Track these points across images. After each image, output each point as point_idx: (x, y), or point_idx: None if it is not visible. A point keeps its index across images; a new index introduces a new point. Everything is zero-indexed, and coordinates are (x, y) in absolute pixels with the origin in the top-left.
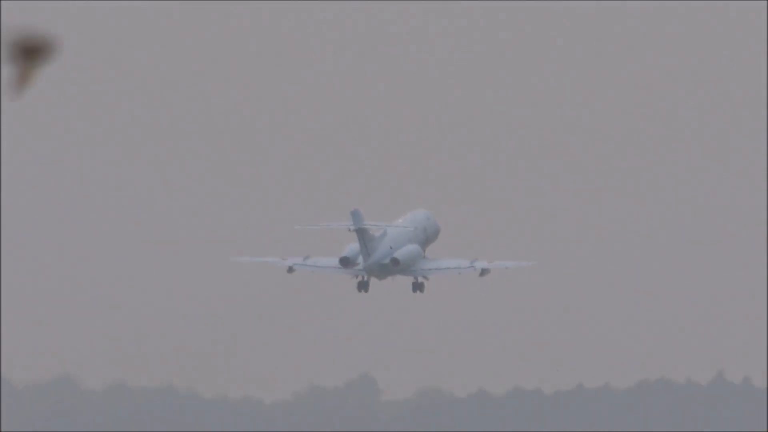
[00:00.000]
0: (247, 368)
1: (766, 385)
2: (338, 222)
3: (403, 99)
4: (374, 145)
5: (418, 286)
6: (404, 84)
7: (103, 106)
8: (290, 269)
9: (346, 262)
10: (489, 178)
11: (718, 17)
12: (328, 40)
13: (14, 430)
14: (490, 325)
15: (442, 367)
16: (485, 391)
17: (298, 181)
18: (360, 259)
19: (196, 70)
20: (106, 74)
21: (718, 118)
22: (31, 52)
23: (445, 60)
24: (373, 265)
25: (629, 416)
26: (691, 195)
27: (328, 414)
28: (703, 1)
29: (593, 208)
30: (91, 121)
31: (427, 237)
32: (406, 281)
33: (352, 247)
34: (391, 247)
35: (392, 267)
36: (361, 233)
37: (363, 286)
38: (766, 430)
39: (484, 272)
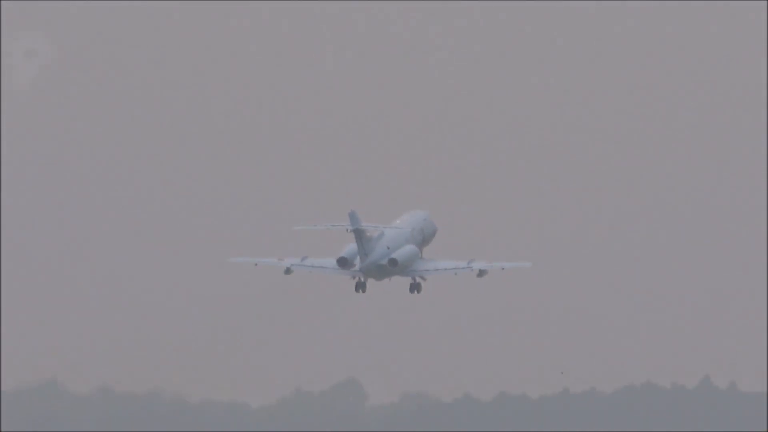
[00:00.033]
0: (234, 372)
1: (754, 390)
2: (338, 222)
3: (403, 99)
4: (373, 145)
5: (415, 287)
6: (404, 84)
7: (103, 106)
8: (287, 270)
9: (343, 262)
10: (486, 179)
11: (718, 17)
12: (328, 40)
13: None
14: (477, 330)
15: (428, 371)
16: (471, 395)
17: (296, 182)
18: (357, 260)
19: (196, 70)
20: (106, 74)
21: (718, 118)
22: None
23: (445, 60)
24: (371, 266)
25: (615, 421)
26: (692, 195)
27: (314, 418)
28: (703, 1)
29: (590, 211)
30: (91, 121)
31: (425, 238)
32: (403, 282)
33: (350, 247)
34: (388, 248)
35: (390, 268)
36: (359, 234)
37: (360, 287)
38: (766, 430)
39: (481, 273)
